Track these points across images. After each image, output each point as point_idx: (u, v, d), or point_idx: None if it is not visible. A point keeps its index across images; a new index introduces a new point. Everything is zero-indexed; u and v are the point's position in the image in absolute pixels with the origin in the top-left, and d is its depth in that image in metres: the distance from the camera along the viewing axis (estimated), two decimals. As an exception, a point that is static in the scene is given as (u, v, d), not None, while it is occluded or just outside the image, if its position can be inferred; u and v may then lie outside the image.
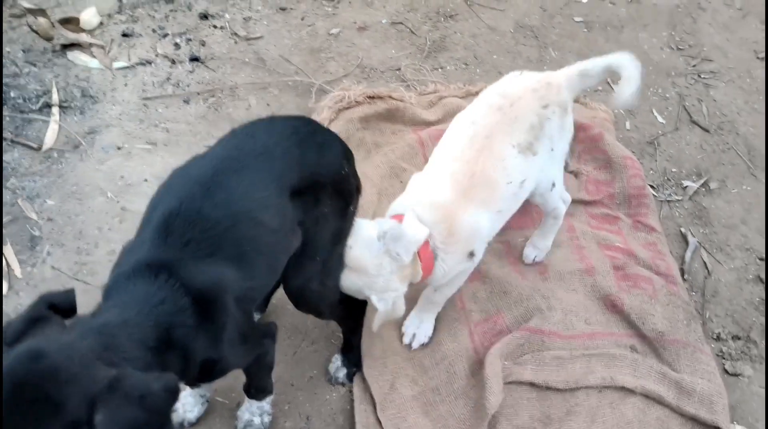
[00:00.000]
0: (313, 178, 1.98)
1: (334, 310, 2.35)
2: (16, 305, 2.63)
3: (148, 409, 1.34)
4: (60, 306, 1.52)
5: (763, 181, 3.47)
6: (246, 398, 2.31)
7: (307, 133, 2.04)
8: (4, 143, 3.11)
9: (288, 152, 1.93)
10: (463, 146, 2.37)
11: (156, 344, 1.58)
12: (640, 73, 2.47)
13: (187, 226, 1.69)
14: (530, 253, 2.85)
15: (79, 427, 1.28)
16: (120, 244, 2.76)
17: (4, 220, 2.86)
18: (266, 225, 1.84)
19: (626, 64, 2.47)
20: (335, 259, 2.19)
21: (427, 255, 2.26)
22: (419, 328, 2.61)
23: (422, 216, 2.26)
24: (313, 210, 2.01)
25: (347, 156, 2.16)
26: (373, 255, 2.18)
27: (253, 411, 2.32)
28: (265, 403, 2.33)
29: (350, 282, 2.23)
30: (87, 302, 2.60)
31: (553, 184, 2.58)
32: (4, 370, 1.27)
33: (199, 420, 2.40)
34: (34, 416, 1.27)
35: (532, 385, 2.54)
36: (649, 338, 2.69)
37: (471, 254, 2.37)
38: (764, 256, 3.15)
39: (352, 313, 2.44)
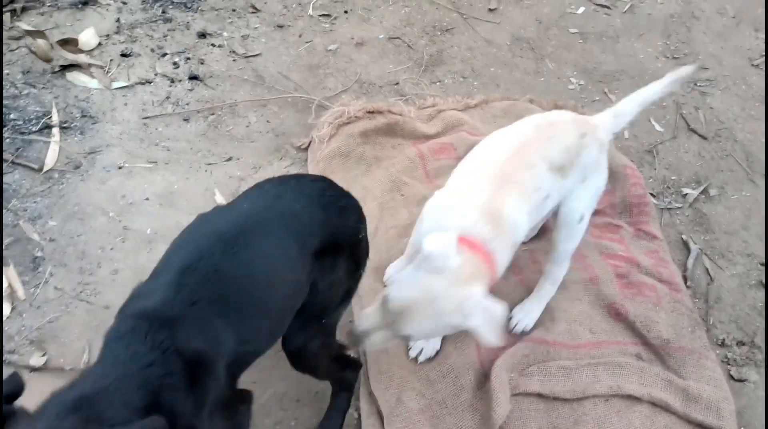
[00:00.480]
0: (334, 241, 1.99)
1: (332, 369, 2.28)
2: (20, 327, 2.62)
3: None
4: (7, 395, 1.49)
5: (762, 186, 3.48)
6: None
7: (331, 197, 2.06)
8: (4, 165, 3.12)
9: (314, 215, 1.94)
10: (497, 152, 2.30)
11: (143, 404, 1.55)
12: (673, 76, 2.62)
13: (201, 283, 1.67)
14: (521, 321, 2.69)
15: None
16: (123, 263, 2.81)
17: (6, 241, 2.86)
18: (281, 291, 1.83)
19: (658, 89, 2.60)
20: (336, 321, 2.21)
21: (485, 254, 2.05)
22: (427, 341, 2.59)
23: (465, 223, 2.06)
24: (329, 273, 2.00)
25: (362, 220, 2.18)
26: (420, 284, 1.93)
27: None
28: None
29: (430, 326, 1.97)
30: (90, 322, 2.64)
31: (581, 218, 2.48)
32: None
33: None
34: None
35: (539, 396, 2.53)
36: (654, 346, 2.69)
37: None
38: (765, 261, 3.15)
39: (347, 369, 2.35)
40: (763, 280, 3.08)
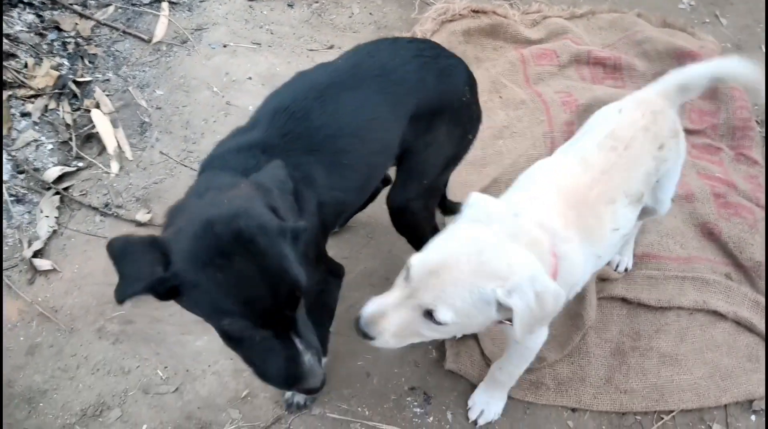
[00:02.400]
0: (431, 104, 1.94)
1: (428, 236, 2.21)
2: (127, 185, 2.75)
3: None
4: None
5: None
6: None
7: (430, 57, 1.97)
8: (116, 34, 3.21)
9: (406, 77, 1.89)
10: (576, 174, 1.89)
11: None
12: (760, 76, 2.01)
13: (290, 120, 1.73)
14: None
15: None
16: (224, 136, 2.89)
17: (116, 104, 2.97)
18: (369, 146, 1.84)
19: (737, 70, 2.04)
20: (441, 184, 2.18)
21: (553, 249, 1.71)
22: (488, 405, 2.29)
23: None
24: (426, 134, 1.98)
25: (470, 83, 2.08)
26: (462, 235, 1.59)
27: None
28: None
29: (464, 297, 1.50)
30: (192, 186, 2.74)
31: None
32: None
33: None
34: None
35: (623, 301, 2.55)
36: (745, 267, 2.66)
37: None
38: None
39: None
40: None
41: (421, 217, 2.16)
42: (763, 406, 2.42)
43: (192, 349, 2.35)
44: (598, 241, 1.85)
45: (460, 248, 1.52)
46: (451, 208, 2.55)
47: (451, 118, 2.00)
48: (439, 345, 2.44)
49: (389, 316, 1.55)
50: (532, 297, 1.49)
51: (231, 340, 1.45)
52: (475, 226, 1.58)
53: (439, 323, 1.52)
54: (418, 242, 2.28)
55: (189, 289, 1.33)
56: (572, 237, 1.75)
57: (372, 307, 1.57)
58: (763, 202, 2.85)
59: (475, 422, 2.27)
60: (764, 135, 3.23)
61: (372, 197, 2.48)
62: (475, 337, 2.43)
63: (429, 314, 1.52)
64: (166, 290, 1.33)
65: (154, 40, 3.20)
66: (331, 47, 3.28)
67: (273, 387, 1.55)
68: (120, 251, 1.31)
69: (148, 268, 1.29)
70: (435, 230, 2.33)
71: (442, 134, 1.99)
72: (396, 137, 1.89)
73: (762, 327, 2.52)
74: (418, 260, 1.53)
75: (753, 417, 2.40)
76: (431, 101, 1.93)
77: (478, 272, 1.49)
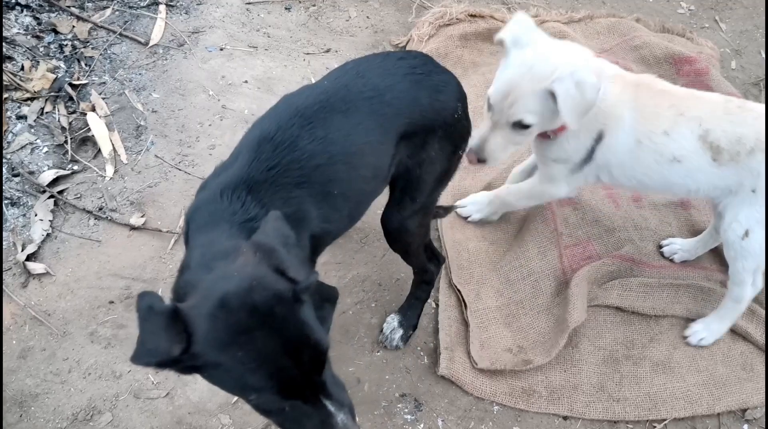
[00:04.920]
0: (423, 123, 1.89)
1: (421, 255, 2.30)
2: (122, 188, 2.75)
3: None
4: None
5: None
6: None
7: (423, 74, 1.91)
8: (113, 36, 3.21)
9: (399, 96, 1.83)
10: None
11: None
12: None
13: (276, 151, 1.65)
14: (698, 332, 2.50)
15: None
16: (220, 140, 2.90)
17: (111, 108, 2.97)
18: (360, 172, 1.78)
19: None
20: (434, 200, 2.15)
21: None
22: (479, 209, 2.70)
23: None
24: (419, 152, 1.94)
25: (462, 98, 2.02)
26: (512, 63, 2.03)
27: None
28: None
29: (533, 100, 2.02)
30: (187, 190, 2.75)
31: (745, 233, 2.21)
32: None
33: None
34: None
35: (617, 309, 2.54)
36: (740, 275, 2.65)
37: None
38: None
39: (432, 261, 2.37)
40: None
41: (416, 234, 2.15)
42: (756, 416, 2.41)
43: (183, 354, 2.35)
44: (645, 135, 2.17)
45: (516, 71, 2.00)
46: (440, 214, 2.54)
47: (443, 135, 1.95)
48: (431, 351, 2.44)
49: (489, 140, 2.13)
50: (572, 85, 1.94)
51: (261, 411, 1.43)
52: (521, 51, 2.01)
53: (527, 126, 2.08)
54: (412, 258, 2.28)
55: (211, 369, 1.31)
56: (623, 101, 2.15)
57: (475, 139, 2.12)
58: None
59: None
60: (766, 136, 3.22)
61: None
62: (467, 343, 2.43)
63: (517, 125, 2.08)
64: (185, 369, 1.31)
65: (151, 43, 3.20)
66: (327, 51, 3.28)
67: None
68: (145, 312, 1.26)
69: (165, 344, 1.24)
70: (429, 246, 2.33)
71: (434, 152, 1.95)
72: (388, 161, 1.85)
73: (757, 336, 2.51)
74: (492, 92, 2.06)
75: (746, 426, 2.40)
76: (424, 120, 1.88)
77: (533, 80, 1.98)
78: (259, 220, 1.55)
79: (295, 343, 1.32)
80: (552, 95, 1.97)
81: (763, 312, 2.55)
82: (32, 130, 2.84)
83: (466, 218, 2.72)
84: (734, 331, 2.53)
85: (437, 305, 2.55)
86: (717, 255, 2.70)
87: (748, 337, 2.52)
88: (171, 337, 1.25)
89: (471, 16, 3.34)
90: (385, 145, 1.82)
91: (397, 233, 2.11)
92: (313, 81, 3.10)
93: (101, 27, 3.23)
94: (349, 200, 1.78)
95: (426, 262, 2.33)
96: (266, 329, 1.29)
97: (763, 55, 3.59)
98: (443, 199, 2.59)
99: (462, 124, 2.03)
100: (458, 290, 2.54)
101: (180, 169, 2.80)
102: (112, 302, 2.45)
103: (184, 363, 1.27)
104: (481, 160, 2.17)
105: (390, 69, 1.87)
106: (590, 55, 2.12)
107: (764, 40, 3.66)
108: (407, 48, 3.31)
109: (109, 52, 3.16)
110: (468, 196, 2.76)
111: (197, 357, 1.27)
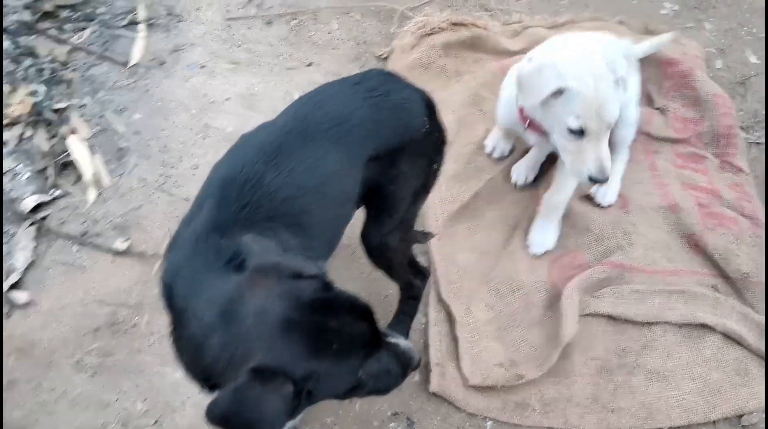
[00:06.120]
0: (390, 143, 1.85)
1: (405, 271, 2.28)
2: (105, 212, 2.72)
3: None
4: None
5: None
6: None
7: (382, 96, 1.87)
8: (92, 58, 3.19)
9: (360, 123, 1.80)
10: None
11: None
12: None
13: (245, 191, 1.61)
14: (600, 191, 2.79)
15: None
16: (203, 159, 2.87)
17: (93, 130, 2.94)
18: (331, 200, 1.76)
19: None
20: (414, 215, 2.13)
21: None
22: (545, 236, 2.67)
23: None
24: (391, 170, 1.90)
25: (429, 111, 1.97)
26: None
27: None
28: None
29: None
30: (171, 212, 2.72)
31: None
32: None
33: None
34: None
35: (609, 318, 2.52)
36: (732, 279, 2.63)
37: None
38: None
39: (417, 277, 2.35)
40: None
41: (398, 250, 2.13)
42: (753, 421, 2.39)
43: (171, 380, 2.32)
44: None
45: (585, 83, 2.09)
46: (419, 238, 2.51)
47: (413, 152, 1.91)
48: (422, 368, 2.41)
49: (603, 157, 2.19)
50: (625, 62, 2.22)
51: (359, 390, 1.53)
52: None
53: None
54: (396, 274, 2.26)
55: (316, 383, 1.37)
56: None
57: (595, 168, 2.19)
58: (747, 211, 2.81)
59: (535, 254, 2.66)
60: (766, 139, 3.22)
61: None
62: (458, 358, 2.40)
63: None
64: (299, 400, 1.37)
65: (131, 62, 3.18)
66: (310, 65, 3.26)
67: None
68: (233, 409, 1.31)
69: (278, 402, 1.33)
70: (413, 261, 2.31)
71: (406, 168, 1.92)
72: (357, 185, 1.82)
73: (750, 340, 2.49)
74: (581, 113, 2.11)
75: (743, 432, 2.38)
76: (390, 141, 1.85)
77: (602, 79, 2.10)
78: (240, 255, 1.52)
79: (350, 312, 1.43)
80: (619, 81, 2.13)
81: (755, 315, 2.53)
82: (12, 156, 2.81)
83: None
84: (727, 336, 2.51)
85: (427, 321, 2.52)
86: (707, 259, 2.68)
87: (742, 341, 2.49)
88: (279, 398, 1.34)
89: (453, 24, 3.31)
90: (352, 172, 1.80)
91: (379, 250, 2.09)
92: (296, 96, 3.07)
93: (80, 49, 3.21)
94: (324, 227, 1.77)
95: (411, 278, 2.31)
96: (331, 318, 1.38)
97: (748, 54, 3.57)
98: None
99: (432, 137, 1.98)
100: (447, 305, 2.51)
101: (164, 191, 2.78)
102: (98, 329, 2.43)
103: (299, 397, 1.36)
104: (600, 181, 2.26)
105: (347, 96, 1.84)
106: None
107: (749, 38, 3.64)
108: (390, 59, 3.28)
109: (88, 73, 3.14)
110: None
111: (305, 380, 1.35)
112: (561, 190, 2.60)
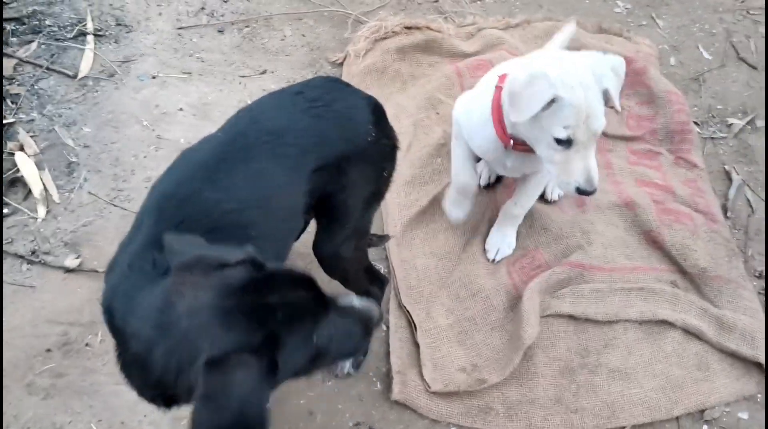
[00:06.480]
0: (335, 153, 1.80)
1: (361, 279, 2.24)
2: (55, 229, 2.65)
3: None
4: None
5: (812, 119, 3.35)
6: None
7: (324, 105, 1.82)
8: (39, 71, 3.11)
9: (301, 134, 1.75)
10: None
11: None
12: None
13: (183, 207, 1.57)
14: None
15: None
16: (156, 172, 2.80)
17: (41, 145, 2.86)
18: (275, 214, 1.72)
19: None
20: (367, 223, 2.10)
21: None
22: (503, 242, 2.66)
23: None
24: (339, 180, 1.85)
25: (376, 118, 1.92)
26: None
27: None
28: None
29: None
30: (123, 227, 2.58)
31: None
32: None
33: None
34: None
35: (570, 317, 2.51)
36: (690, 274, 2.64)
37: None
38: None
39: (375, 284, 2.31)
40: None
41: (353, 259, 2.09)
42: (715, 416, 2.40)
43: (127, 399, 2.24)
44: None
45: (573, 93, 2.02)
46: (374, 242, 2.47)
47: (361, 160, 1.87)
48: (384, 376, 2.38)
49: (590, 166, 2.11)
50: (612, 72, 2.11)
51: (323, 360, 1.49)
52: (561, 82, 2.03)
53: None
54: (352, 284, 2.20)
55: (273, 351, 1.32)
56: None
57: (583, 179, 2.10)
58: (701, 206, 2.84)
59: (493, 260, 2.66)
60: (766, 137, 3.26)
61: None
62: (419, 365, 2.37)
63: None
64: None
65: (80, 75, 3.10)
66: (263, 72, 3.21)
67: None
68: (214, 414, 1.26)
69: (247, 378, 1.28)
70: (370, 268, 2.27)
71: (355, 177, 1.87)
72: (303, 197, 1.78)
73: (710, 334, 2.50)
74: (573, 123, 2.04)
75: (705, 427, 2.38)
76: (335, 150, 1.80)
77: (588, 88, 2.04)
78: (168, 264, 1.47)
79: (288, 285, 1.39)
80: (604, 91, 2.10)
81: (714, 310, 2.54)
82: (-43, 175, 2.73)
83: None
84: (687, 331, 2.51)
85: (388, 328, 2.49)
86: (665, 255, 2.69)
87: (702, 336, 2.50)
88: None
89: (407, 28, 3.30)
90: (296, 183, 1.75)
91: (332, 261, 2.05)
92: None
93: (27, 62, 3.13)
94: (271, 241, 1.71)
95: (368, 286, 2.27)
96: (265, 295, 1.34)
97: (701, 50, 3.61)
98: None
99: (381, 144, 1.93)
100: (408, 311, 2.48)
101: (116, 205, 2.71)
102: (49, 350, 2.35)
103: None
104: (590, 193, 2.16)
105: (287, 107, 1.80)
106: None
107: (701, 34, 3.69)
108: (344, 64, 3.25)
109: (36, 87, 3.06)
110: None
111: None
112: (522, 204, 2.59)
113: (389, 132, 1.98)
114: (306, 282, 1.44)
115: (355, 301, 1.56)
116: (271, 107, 1.82)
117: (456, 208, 2.62)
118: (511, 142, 2.26)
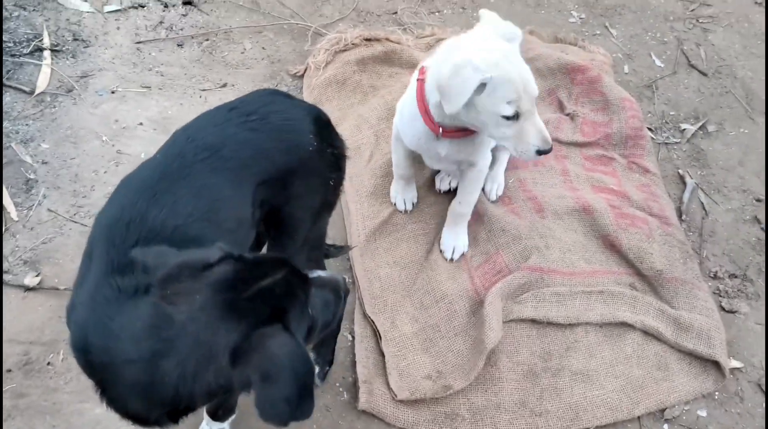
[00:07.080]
0: (276, 166, 1.81)
1: None
2: (14, 248, 2.61)
3: None
4: None
5: (761, 124, 3.46)
6: (207, 418, 2.20)
7: (260, 119, 1.82)
8: (-5, 87, 3.07)
9: (238, 148, 1.75)
10: None
11: None
12: None
13: (132, 229, 1.56)
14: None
15: None
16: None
17: (-1, 163, 2.83)
18: (223, 226, 1.72)
19: None
20: (319, 233, 2.11)
21: None
22: (456, 241, 2.72)
23: None
24: (283, 192, 1.86)
25: (317, 128, 1.91)
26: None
27: None
28: (226, 424, 2.23)
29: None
30: (84, 244, 2.60)
31: None
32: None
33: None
34: None
35: (532, 322, 2.55)
36: (647, 277, 2.71)
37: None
38: (763, 197, 3.15)
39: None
40: (759, 216, 3.08)
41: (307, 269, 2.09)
42: (675, 414, 2.46)
43: (91, 417, 2.23)
44: None
45: (509, 64, 2.14)
46: (331, 253, 2.49)
47: (305, 171, 1.87)
48: (350, 386, 2.39)
49: (542, 128, 2.21)
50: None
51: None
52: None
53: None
54: None
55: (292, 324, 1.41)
56: None
57: (541, 142, 2.20)
58: (655, 210, 2.90)
59: (451, 259, 2.72)
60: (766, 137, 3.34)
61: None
62: (385, 374, 2.39)
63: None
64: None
65: (37, 91, 3.07)
66: (224, 86, 3.22)
67: None
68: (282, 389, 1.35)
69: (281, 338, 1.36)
70: None
71: (300, 188, 1.88)
72: (249, 208, 1.78)
73: (668, 334, 2.56)
74: (519, 93, 2.12)
75: (666, 426, 2.44)
76: (276, 163, 1.81)
77: (519, 60, 2.19)
78: (144, 280, 1.46)
79: (272, 268, 1.45)
80: None
81: (671, 311, 2.61)
82: None
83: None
84: (646, 333, 2.57)
85: (353, 338, 2.50)
86: (623, 258, 2.75)
87: (660, 336, 2.56)
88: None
89: (366, 40, 3.33)
90: (242, 196, 1.76)
91: None
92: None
93: (-18, 78, 3.09)
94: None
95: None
96: (259, 281, 1.40)
97: (654, 58, 3.70)
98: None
99: (325, 154, 1.93)
100: (372, 320, 2.50)
101: (76, 222, 2.69)
102: (10, 371, 2.32)
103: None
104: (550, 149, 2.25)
105: (221, 124, 1.80)
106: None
107: (654, 43, 3.78)
108: (305, 76, 3.27)
109: (-9, 104, 3.02)
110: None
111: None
112: (466, 201, 2.68)
113: (334, 141, 1.98)
114: (284, 263, 1.50)
115: (321, 273, 1.66)
116: (207, 124, 1.81)
117: (400, 196, 2.82)
118: (441, 129, 2.37)
